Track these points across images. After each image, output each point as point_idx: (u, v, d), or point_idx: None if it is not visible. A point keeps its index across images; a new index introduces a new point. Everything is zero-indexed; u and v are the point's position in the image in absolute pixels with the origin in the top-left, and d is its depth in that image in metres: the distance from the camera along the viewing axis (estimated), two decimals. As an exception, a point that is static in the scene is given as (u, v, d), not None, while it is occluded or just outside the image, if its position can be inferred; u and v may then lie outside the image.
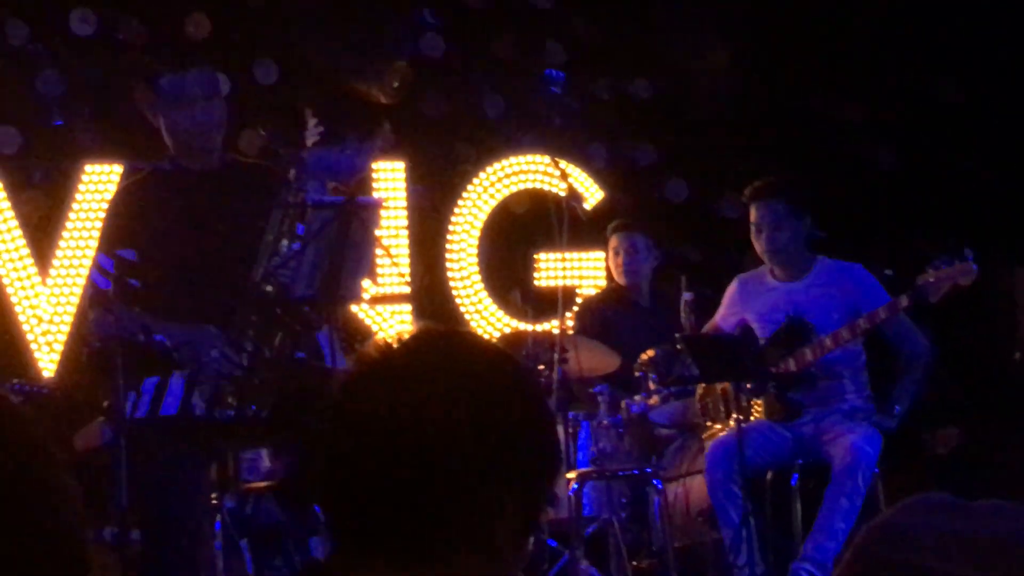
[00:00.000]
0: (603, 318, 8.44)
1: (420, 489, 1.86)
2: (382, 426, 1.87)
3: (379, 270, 7.95)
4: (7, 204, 8.41)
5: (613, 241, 8.54)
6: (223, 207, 5.45)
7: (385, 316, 8.88)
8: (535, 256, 8.78)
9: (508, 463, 1.88)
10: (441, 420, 1.86)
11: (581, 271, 9.30)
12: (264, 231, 5.33)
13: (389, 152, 7.26)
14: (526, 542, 1.92)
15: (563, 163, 7.95)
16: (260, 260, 5.25)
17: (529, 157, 9.44)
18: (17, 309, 8.37)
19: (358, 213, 5.27)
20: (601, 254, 9.07)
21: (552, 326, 8.16)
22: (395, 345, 1.92)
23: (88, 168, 8.51)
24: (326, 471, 1.93)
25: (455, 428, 1.86)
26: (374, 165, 9.01)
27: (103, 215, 8.26)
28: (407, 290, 8.42)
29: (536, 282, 8.66)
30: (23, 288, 8.38)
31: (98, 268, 5.45)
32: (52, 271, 8.42)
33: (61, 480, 1.88)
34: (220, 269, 5.36)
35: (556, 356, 7.23)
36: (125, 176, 7.65)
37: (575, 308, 8.63)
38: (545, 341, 7.36)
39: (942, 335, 9.04)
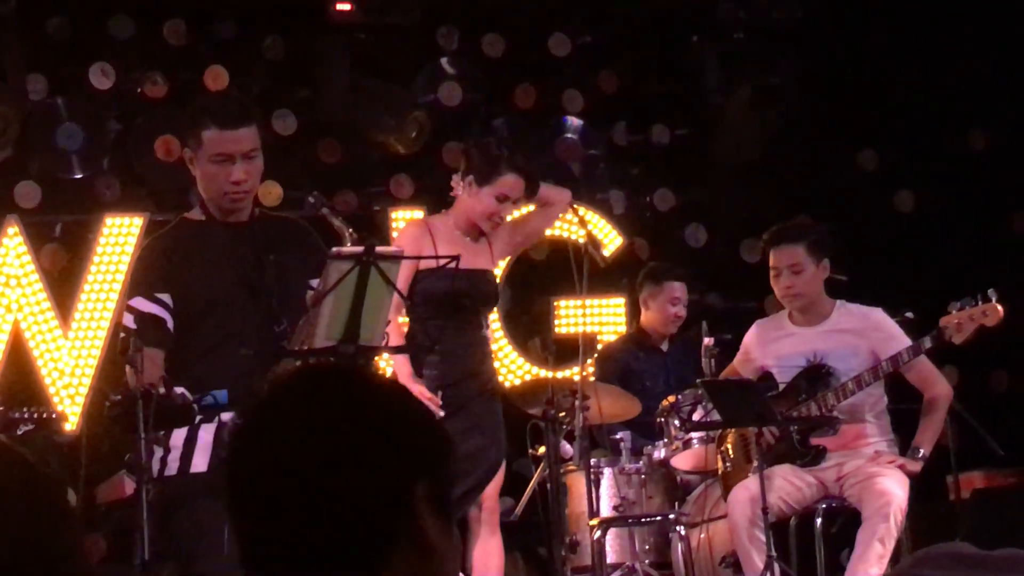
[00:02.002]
0: (624, 364, 8.43)
1: (343, 498, 1.92)
2: (294, 448, 1.95)
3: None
4: (28, 257, 8.43)
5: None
6: (254, 260, 5.44)
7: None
8: (555, 303, 8.77)
9: (411, 449, 1.98)
10: (345, 432, 1.96)
11: (601, 317, 9.28)
12: (296, 284, 5.35)
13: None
14: (452, 533, 1.98)
15: (582, 210, 7.96)
16: (309, 316, 5.22)
17: (548, 204, 9.43)
18: (39, 363, 8.38)
19: (377, 263, 5.25)
20: (620, 300, 9.07)
21: (573, 373, 8.16)
22: (282, 385, 2.05)
23: (109, 220, 8.54)
24: (251, 503, 1.97)
25: (361, 437, 1.96)
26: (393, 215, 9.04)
27: (124, 267, 8.37)
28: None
29: (556, 329, 8.64)
30: (44, 341, 8.39)
31: (133, 312, 5.41)
32: (73, 324, 8.43)
33: (67, 513, 1.92)
34: (251, 322, 5.36)
35: (577, 403, 7.22)
36: (147, 228, 7.67)
37: (595, 354, 8.62)
38: (566, 388, 7.35)
39: (969, 377, 9.02)
